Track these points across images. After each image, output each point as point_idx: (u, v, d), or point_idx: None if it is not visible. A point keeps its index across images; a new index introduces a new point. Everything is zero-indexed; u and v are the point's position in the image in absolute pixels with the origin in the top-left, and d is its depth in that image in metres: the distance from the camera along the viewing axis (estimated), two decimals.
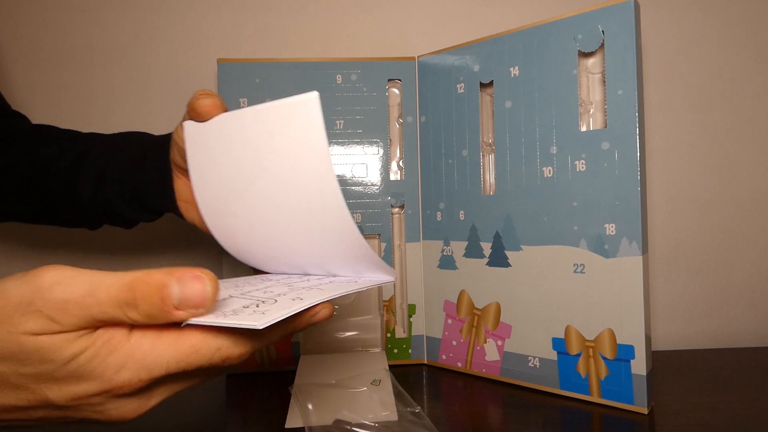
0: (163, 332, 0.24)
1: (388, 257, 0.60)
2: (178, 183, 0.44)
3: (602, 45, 0.47)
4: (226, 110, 0.36)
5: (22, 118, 0.57)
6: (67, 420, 0.25)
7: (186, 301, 0.23)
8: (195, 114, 0.36)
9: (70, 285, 0.22)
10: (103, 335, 0.23)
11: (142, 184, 0.45)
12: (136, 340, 0.23)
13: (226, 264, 0.59)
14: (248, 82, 0.58)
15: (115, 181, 0.45)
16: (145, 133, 0.49)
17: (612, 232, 0.46)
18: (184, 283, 0.23)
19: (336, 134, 0.60)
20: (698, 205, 0.69)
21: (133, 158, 0.45)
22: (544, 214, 0.50)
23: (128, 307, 0.22)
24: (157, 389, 0.25)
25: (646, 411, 0.45)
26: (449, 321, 0.58)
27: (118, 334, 0.23)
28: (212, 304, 0.24)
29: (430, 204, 0.59)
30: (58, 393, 0.23)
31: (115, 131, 0.76)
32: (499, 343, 0.54)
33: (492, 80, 0.54)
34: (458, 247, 0.57)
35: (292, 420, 0.44)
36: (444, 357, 0.59)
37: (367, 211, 0.60)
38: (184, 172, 0.41)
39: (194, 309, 0.23)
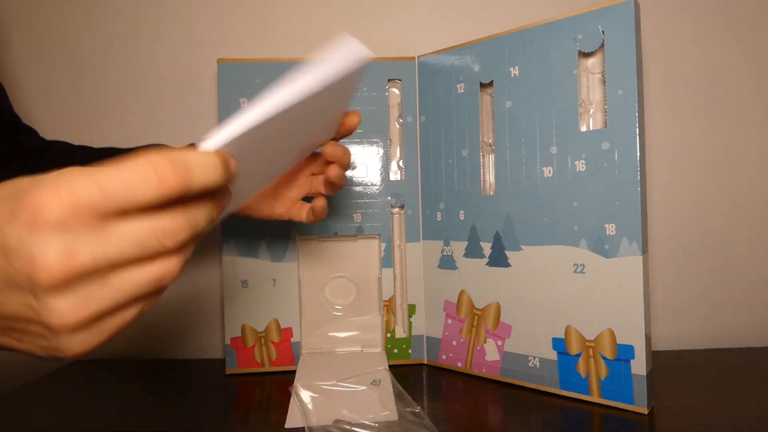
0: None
1: (388, 257, 0.60)
2: None
3: (602, 45, 0.47)
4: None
5: (32, 133, 0.57)
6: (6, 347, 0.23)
7: None
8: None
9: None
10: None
11: None
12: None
13: (226, 259, 0.59)
14: (248, 82, 0.58)
15: None
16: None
17: (612, 232, 0.46)
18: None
19: None
20: (698, 205, 0.69)
21: None
22: (544, 214, 0.50)
23: None
24: (95, 283, 0.22)
25: (646, 411, 0.45)
26: (449, 321, 0.58)
27: None
28: None
29: (430, 204, 0.59)
30: None
31: (115, 131, 0.76)
32: (499, 343, 0.54)
33: (492, 80, 0.54)
34: (458, 247, 0.57)
35: (292, 420, 0.44)
36: (444, 357, 0.59)
37: (367, 211, 0.60)
38: None
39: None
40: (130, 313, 0.24)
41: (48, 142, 0.56)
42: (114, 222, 0.22)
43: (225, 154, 0.25)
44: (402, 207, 0.61)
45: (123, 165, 0.21)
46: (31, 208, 0.20)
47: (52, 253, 0.20)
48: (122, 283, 0.23)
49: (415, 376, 0.57)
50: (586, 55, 0.49)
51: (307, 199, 0.48)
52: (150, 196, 0.22)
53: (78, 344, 0.23)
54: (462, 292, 0.57)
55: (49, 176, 0.21)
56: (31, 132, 0.57)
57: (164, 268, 0.24)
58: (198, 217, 0.25)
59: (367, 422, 0.42)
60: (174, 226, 0.23)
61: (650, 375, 0.46)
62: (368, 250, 0.60)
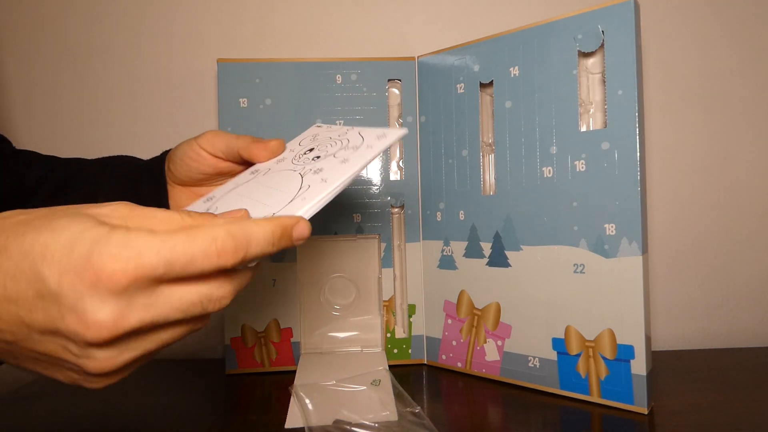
0: (157, 229, 0.23)
1: (388, 257, 0.60)
2: (174, 192, 0.44)
3: (602, 45, 0.47)
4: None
5: (4, 141, 0.56)
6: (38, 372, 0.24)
7: None
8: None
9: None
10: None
11: (138, 201, 0.45)
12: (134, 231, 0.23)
13: None
14: (248, 82, 0.58)
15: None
16: (132, 156, 0.50)
17: (612, 232, 0.46)
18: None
19: None
20: (698, 205, 0.69)
21: (128, 178, 0.45)
22: (544, 214, 0.50)
23: None
24: (135, 338, 0.23)
25: (646, 411, 0.45)
26: (449, 321, 0.58)
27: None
28: None
29: (430, 204, 0.59)
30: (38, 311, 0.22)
31: (115, 131, 0.76)
32: (499, 343, 0.54)
33: (492, 80, 0.54)
34: (458, 247, 0.57)
35: (292, 420, 0.44)
36: (444, 357, 0.59)
37: (367, 211, 0.60)
38: (182, 182, 0.43)
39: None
40: (153, 353, 0.25)
41: (18, 152, 0.53)
42: (167, 287, 0.23)
43: (288, 224, 0.27)
44: (402, 207, 0.61)
45: (187, 237, 0.22)
46: (95, 269, 0.21)
47: (105, 315, 0.21)
48: (158, 338, 0.24)
49: (415, 376, 0.57)
50: (586, 55, 0.49)
51: None
52: (207, 268, 0.23)
53: (104, 382, 0.25)
54: (462, 292, 0.57)
55: (115, 237, 0.22)
56: (3, 139, 0.56)
57: (198, 325, 0.26)
58: (243, 282, 0.26)
59: (367, 422, 0.42)
60: (221, 294, 0.25)
61: (650, 375, 0.46)
62: (368, 250, 0.60)
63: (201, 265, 0.23)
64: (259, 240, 0.25)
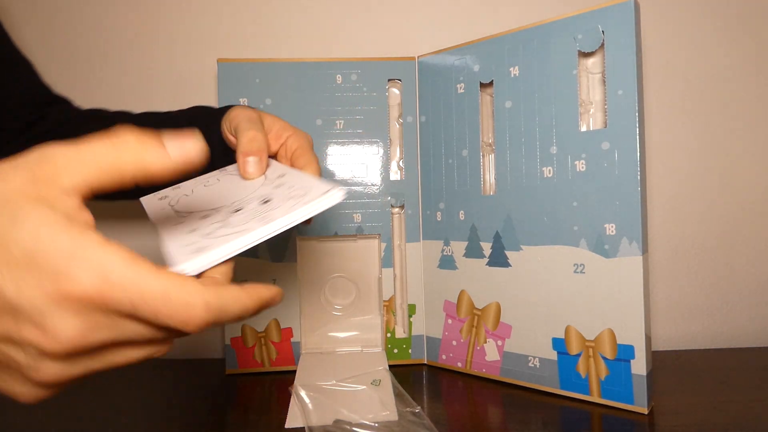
0: (139, 259, 0.22)
1: (388, 257, 0.60)
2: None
3: (602, 45, 0.47)
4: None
5: (67, 103, 0.57)
6: None
7: None
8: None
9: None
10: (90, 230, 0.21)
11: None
12: (112, 249, 0.21)
13: None
14: (248, 82, 0.58)
15: None
16: (204, 107, 0.50)
17: (612, 232, 0.46)
18: None
19: (336, 134, 0.60)
20: (698, 205, 0.69)
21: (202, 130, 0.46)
22: (544, 214, 0.50)
23: None
24: (88, 356, 0.23)
25: (646, 411, 0.45)
26: (449, 321, 0.58)
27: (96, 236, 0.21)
28: None
29: (430, 204, 0.59)
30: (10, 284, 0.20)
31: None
32: (499, 343, 0.54)
33: (492, 80, 0.54)
34: (458, 247, 0.57)
35: (292, 420, 0.44)
36: (444, 357, 0.59)
37: (367, 211, 0.60)
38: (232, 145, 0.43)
39: None
40: (99, 371, 0.24)
41: (84, 113, 0.55)
42: (130, 318, 0.22)
43: (265, 298, 0.26)
44: (402, 207, 0.61)
45: (163, 292, 0.21)
46: (64, 282, 0.20)
47: (68, 329, 0.20)
48: (114, 357, 0.23)
49: (415, 376, 0.57)
50: (586, 55, 0.49)
51: None
52: (170, 326, 0.22)
53: (42, 395, 0.23)
54: (462, 292, 0.57)
55: (88, 253, 0.20)
56: (66, 102, 0.57)
57: (160, 349, 0.25)
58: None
59: (367, 422, 0.42)
60: (174, 337, 0.24)
61: (650, 375, 0.46)
62: (368, 250, 0.60)
63: (165, 320, 0.22)
64: (232, 315, 0.24)
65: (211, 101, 0.71)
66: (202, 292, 0.22)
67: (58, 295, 0.20)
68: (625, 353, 0.46)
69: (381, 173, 0.60)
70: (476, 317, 0.56)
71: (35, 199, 0.21)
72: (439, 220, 0.59)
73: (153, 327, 0.22)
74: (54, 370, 0.22)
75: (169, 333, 0.23)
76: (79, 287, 0.20)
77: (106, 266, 0.21)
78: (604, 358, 0.47)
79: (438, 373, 0.58)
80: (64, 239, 0.20)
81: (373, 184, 0.60)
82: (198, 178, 0.41)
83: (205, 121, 0.46)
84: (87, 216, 0.23)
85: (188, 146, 0.24)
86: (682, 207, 0.69)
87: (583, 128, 0.49)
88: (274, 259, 0.59)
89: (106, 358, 0.23)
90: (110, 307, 0.21)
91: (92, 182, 0.22)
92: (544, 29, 0.50)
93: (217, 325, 0.24)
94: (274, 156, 0.43)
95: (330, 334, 0.60)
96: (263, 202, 0.32)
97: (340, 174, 0.60)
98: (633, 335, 0.45)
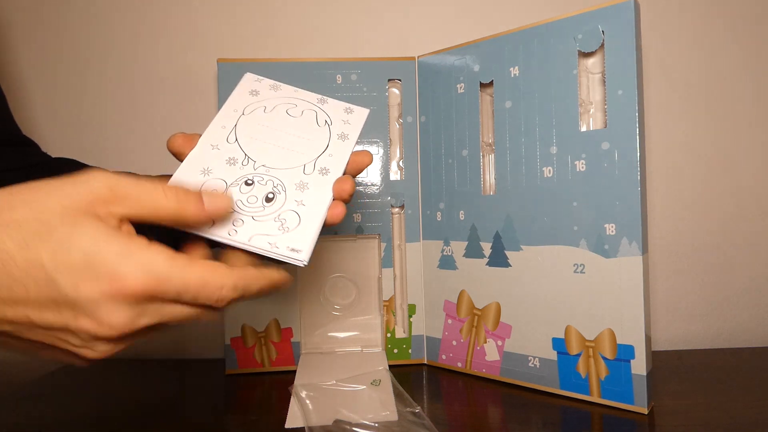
0: (176, 254, 0.26)
1: (388, 257, 0.60)
2: None
3: (602, 45, 0.47)
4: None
5: (34, 146, 0.57)
6: (39, 347, 0.26)
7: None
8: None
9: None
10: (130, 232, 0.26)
11: None
12: (155, 248, 0.25)
13: None
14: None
15: None
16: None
17: (612, 232, 0.46)
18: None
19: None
20: (698, 204, 0.69)
21: None
22: (544, 214, 0.50)
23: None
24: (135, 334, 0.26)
25: (646, 411, 0.45)
26: (449, 321, 0.58)
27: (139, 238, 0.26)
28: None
29: (430, 204, 0.59)
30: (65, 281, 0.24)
31: (115, 131, 0.76)
32: (499, 343, 0.54)
33: (492, 80, 0.54)
34: (458, 247, 0.57)
35: (292, 420, 0.44)
36: (444, 357, 0.59)
37: (367, 211, 0.60)
38: None
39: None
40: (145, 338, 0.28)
41: (54, 160, 0.56)
42: (172, 303, 0.27)
43: (277, 281, 0.32)
44: (402, 207, 0.61)
45: (201, 279, 0.26)
46: (116, 280, 0.24)
47: (119, 319, 0.24)
48: (153, 334, 0.28)
49: (415, 376, 0.57)
50: (586, 55, 0.49)
51: None
52: (209, 302, 0.27)
53: (93, 362, 0.27)
54: (462, 292, 0.57)
55: (135, 255, 0.25)
56: (32, 145, 0.57)
57: (207, 315, 0.29)
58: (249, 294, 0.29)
59: (367, 422, 0.42)
60: (214, 314, 0.29)
61: (650, 375, 0.46)
62: (368, 250, 0.60)
63: (203, 301, 0.27)
64: (253, 293, 0.29)
65: (212, 101, 0.71)
66: (230, 275, 0.27)
67: (111, 292, 0.24)
68: (625, 353, 0.46)
69: (381, 173, 0.60)
70: (476, 317, 0.56)
71: (92, 215, 0.25)
72: (439, 220, 0.59)
73: (191, 306, 0.27)
74: (105, 348, 0.26)
75: (204, 309, 0.28)
76: (131, 284, 0.24)
77: (152, 264, 0.25)
78: (604, 358, 0.47)
79: (438, 373, 0.58)
80: (115, 244, 0.24)
81: (373, 184, 0.60)
82: (287, 93, 0.42)
83: None
84: (131, 228, 0.27)
85: (220, 203, 0.29)
86: (682, 207, 0.69)
87: (583, 128, 0.49)
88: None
89: (149, 334, 0.27)
90: (157, 297, 0.25)
91: (134, 217, 0.27)
92: (544, 29, 0.50)
93: (240, 302, 0.29)
94: None
95: (330, 334, 0.60)
96: (295, 202, 0.35)
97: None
98: (633, 335, 0.45)
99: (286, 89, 0.42)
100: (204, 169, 0.34)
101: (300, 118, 0.39)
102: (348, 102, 0.42)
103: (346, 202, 0.36)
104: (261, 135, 0.37)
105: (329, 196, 0.35)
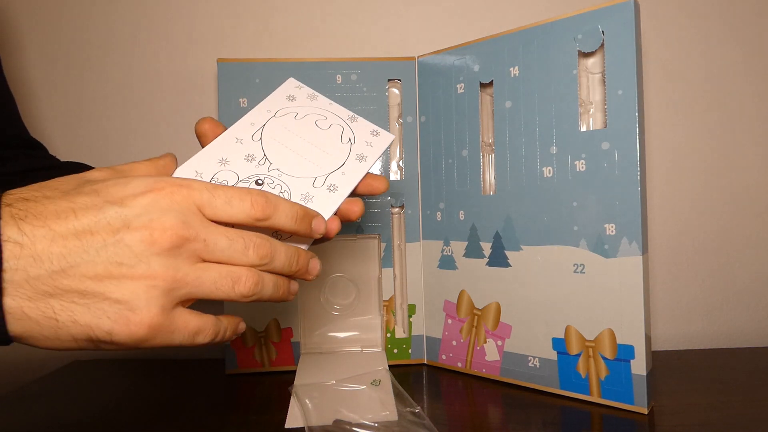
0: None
1: (388, 257, 0.60)
2: None
3: (602, 45, 0.47)
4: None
5: (43, 149, 0.57)
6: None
7: None
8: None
9: None
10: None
11: None
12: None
13: None
14: (248, 82, 0.58)
15: None
16: None
17: (612, 232, 0.46)
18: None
19: None
20: (698, 204, 0.69)
21: None
22: (544, 214, 0.50)
23: None
24: (189, 263, 0.27)
25: (646, 411, 0.45)
26: (449, 321, 0.58)
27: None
28: None
29: (430, 204, 0.59)
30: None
31: (115, 131, 0.76)
32: (499, 343, 0.54)
33: (492, 80, 0.54)
34: (458, 247, 0.57)
35: (292, 420, 0.44)
36: (444, 357, 0.59)
37: (367, 211, 0.60)
38: None
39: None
40: (203, 290, 0.28)
41: (63, 163, 0.56)
42: (216, 224, 0.28)
43: (310, 212, 0.32)
44: (402, 207, 0.61)
45: (226, 186, 0.29)
46: (161, 188, 0.27)
47: (171, 221, 0.26)
48: (207, 270, 0.28)
49: (415, 376, 0.57)
50: (586, 55, 0.49)
51: None
52: (241, 211, 0.28)
53: (144, 331, 0.26)
54: (462, 292, 0.57)
55: (173, 175, 0.31)
56: (40, 147, 0.57)
57: (248, 277, 0.29)
58: (280, 253, 0.30)
59: (367, 422, 0.42)
60: (257, 241, 0.29)
61: (650, 375, 0.46)
62: (368, 250, 0.60)
63: (238, 206, 0.28)
64: (285, 210, 0.30)
65: (212, 101, 0.71)
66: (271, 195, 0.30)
67: (157, 197, 0.26)
68: (625, 353, 0.46)
69: (381, 173, 0.60)
70: (476, 317, 0.56)
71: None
72: (439, 220, 0.59)
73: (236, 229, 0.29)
74: (160, 264, 0.26)
75: (250, 234, 0.29)
76: (170, 190, 0.27)
77: (183, 179, 0.28)
78: (604, 358, 0.47)
79: (438, 373, 0.58)
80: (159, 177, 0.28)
81: None
82: (321, 105, 0.42)
83: None
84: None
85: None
86: (682, 207, 0.69)
87: (583, 128, 0.49)
88: None
89: (202, 269, 0.28)
90: (195, 200, 0.27)
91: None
92: (544, 29, 0.50)
93: (275, 226, 0.30)
94: None
95: (330, 334, 0.60)
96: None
97: None
98: (633, 335, 0.45)
99: (322, 101, 0.42)
100: (222, 159, 0.35)
101: (326, 131, 0.40)
102: (373, 125, 0.42)
103: (353, 221, 0.36)
104: (284, 139, 0.38)
105: (329, 213, 0.35)
